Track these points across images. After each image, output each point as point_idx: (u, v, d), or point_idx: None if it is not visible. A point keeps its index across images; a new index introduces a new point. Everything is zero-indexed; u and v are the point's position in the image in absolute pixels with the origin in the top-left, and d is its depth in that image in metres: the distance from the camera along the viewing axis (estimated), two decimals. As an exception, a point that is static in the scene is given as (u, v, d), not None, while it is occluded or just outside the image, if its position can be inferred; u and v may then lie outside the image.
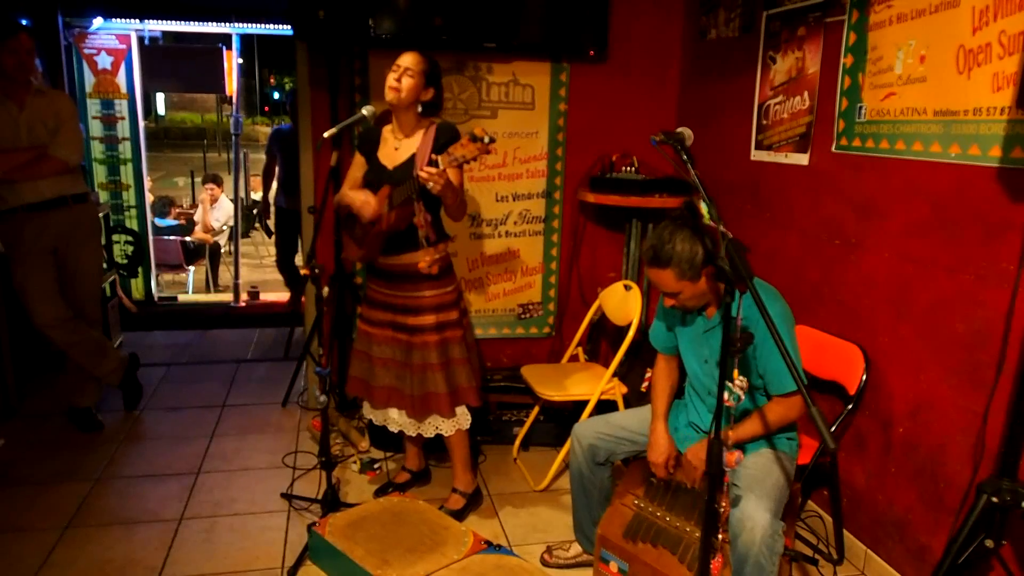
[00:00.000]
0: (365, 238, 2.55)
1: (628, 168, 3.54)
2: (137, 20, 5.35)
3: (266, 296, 6.20)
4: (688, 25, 3.56)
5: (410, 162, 2.48)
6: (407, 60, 2.44)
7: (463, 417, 2.68)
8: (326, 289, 2.46)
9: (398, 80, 2.43)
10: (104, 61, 5.40)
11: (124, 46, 5.41)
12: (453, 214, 2.54)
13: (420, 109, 2.52)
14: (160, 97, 18.26)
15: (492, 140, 2.21)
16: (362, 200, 2.49)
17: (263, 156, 5.34)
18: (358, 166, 2.64)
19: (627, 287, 3.08)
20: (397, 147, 2.55)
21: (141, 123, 5.70)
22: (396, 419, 2.71)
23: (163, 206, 7.76)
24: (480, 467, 3.16)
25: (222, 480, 2.99)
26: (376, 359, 2.66)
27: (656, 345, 2.34)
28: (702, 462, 2.08)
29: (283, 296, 6.35)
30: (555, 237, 3.73)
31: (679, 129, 1.82)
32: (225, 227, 7.22)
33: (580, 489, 2.33)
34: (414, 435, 2.73)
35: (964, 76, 2.00)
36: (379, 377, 2.67)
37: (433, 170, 2.25)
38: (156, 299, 5.90)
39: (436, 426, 2.66)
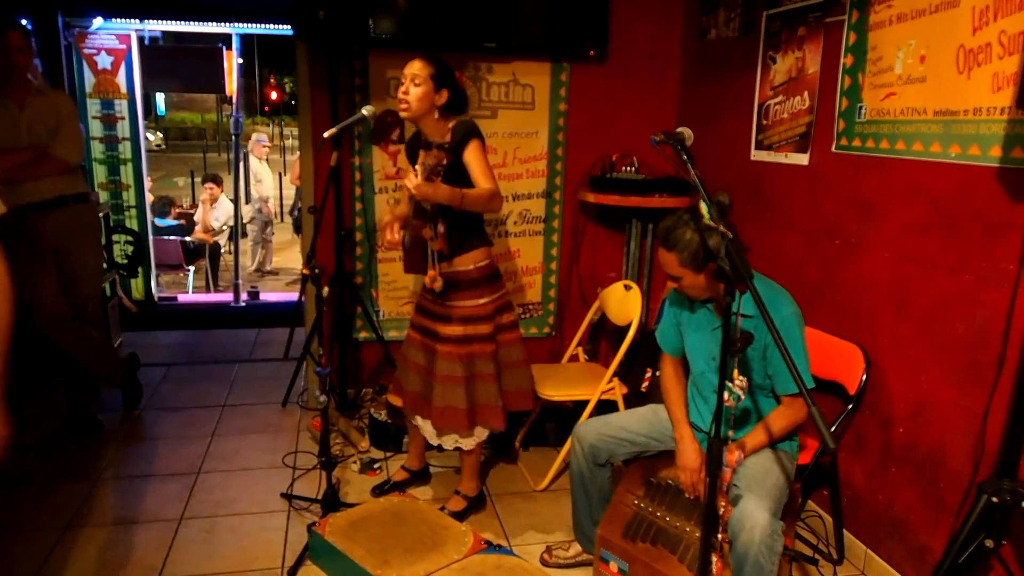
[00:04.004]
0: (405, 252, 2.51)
1: (628, 168, 3.54)
2: (137, 20, 5.35)
3: (266, 296, 6.19)
4: (688, 25, 3.56)
5: None
6: (412, 67, 2.39)
7: (481, 433, 2.61)
8: (326, 289, 2.46)
9: (405, 92, 2.37)
10: (104, 61, 5.39)
11: (124, 46, 5.41)
12: (476, 211, 2.42)
13: (438, 114, 2.44)
14: (160, 97, 18.24)
15: (443, 147, 2.22)
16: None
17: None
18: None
19: (627, 287, 3.08)
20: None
21: (141, 122, 5.69)
22: (422, 427, 2.65)
23: (163, 206, 7.75)
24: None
25: (222, 480, 2.99)
26: (410, 362, 2.65)
27: (665, 348, 2.33)
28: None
29: (286, 295, 6.35)
30: (555, 237, 3.73)
31: (679, 129, 1.82)
32: (225, 227, 7.22)
33: (580, 489, 2.33)
34: (435, 445, 2.66)
35: (964, 76, 2.00)
36: (411, 382, 2.64)
37: (411, 183, 2.22)
38: (156, 299, 5.90)
39: (456, 439, 2.60)
